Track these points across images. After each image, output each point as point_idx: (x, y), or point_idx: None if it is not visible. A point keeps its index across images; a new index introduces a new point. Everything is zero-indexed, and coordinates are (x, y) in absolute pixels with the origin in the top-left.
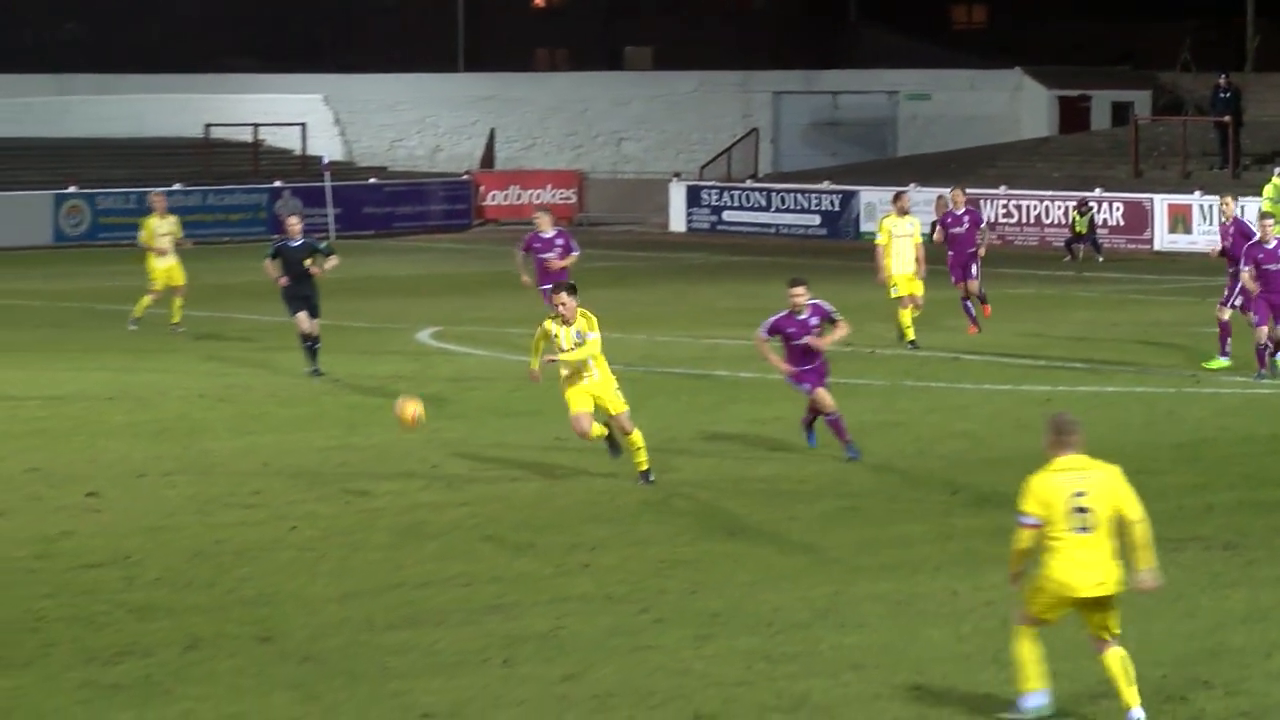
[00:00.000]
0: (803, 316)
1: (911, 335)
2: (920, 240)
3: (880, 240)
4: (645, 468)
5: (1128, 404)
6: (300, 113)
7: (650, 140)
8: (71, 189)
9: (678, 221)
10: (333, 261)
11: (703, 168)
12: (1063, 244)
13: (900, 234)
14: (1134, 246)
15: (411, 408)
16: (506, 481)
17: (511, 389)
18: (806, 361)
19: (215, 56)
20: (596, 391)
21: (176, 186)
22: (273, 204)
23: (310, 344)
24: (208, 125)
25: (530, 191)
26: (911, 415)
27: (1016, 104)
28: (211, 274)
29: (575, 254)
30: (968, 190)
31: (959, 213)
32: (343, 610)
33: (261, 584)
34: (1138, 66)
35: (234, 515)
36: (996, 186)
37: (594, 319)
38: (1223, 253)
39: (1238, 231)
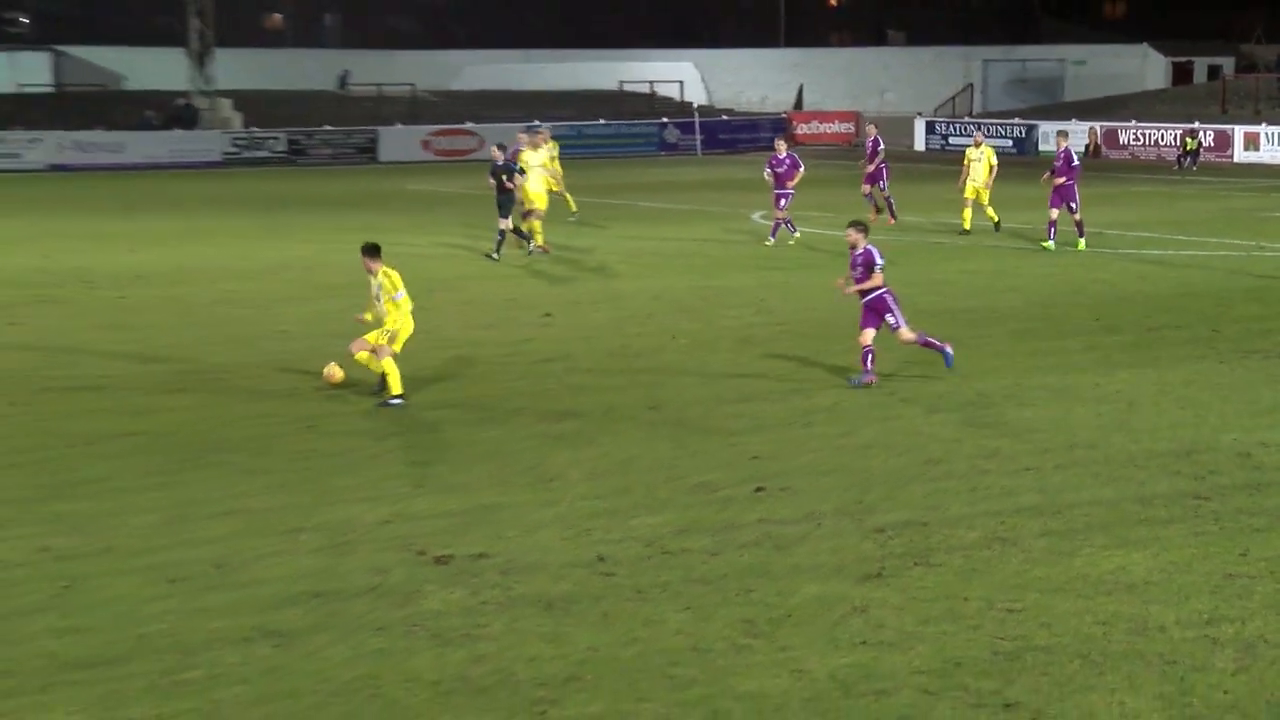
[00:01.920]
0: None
1: (966, 226)
2: (994, 163)
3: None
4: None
5: (1213, 261)
6: (679, 74)
7: (903, 92)
8: (536, 122)
9: (919, 144)
10: (521, 179)
11: (936, 109)
12: (1174, 159)
13: (973, 159)
14: (1220, 160)
15: (333, 371)
16: (806, 309)
17: (807, 251)
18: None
19: (626, 37)
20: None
21: (600, 121)
22: (662, 133)
23: (502, 235)
24: (621, 82)
25: (824, 125)
26: (1067, 269)
27: (1144, 67)
28: (622, 176)
29: (801, 170)
30: (1105, 125)
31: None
32: (702, 390)
33: (652, 373)
34: (1226, 40)
35: (635, 328)
36: (1129, 121)
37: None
38: None
39: None
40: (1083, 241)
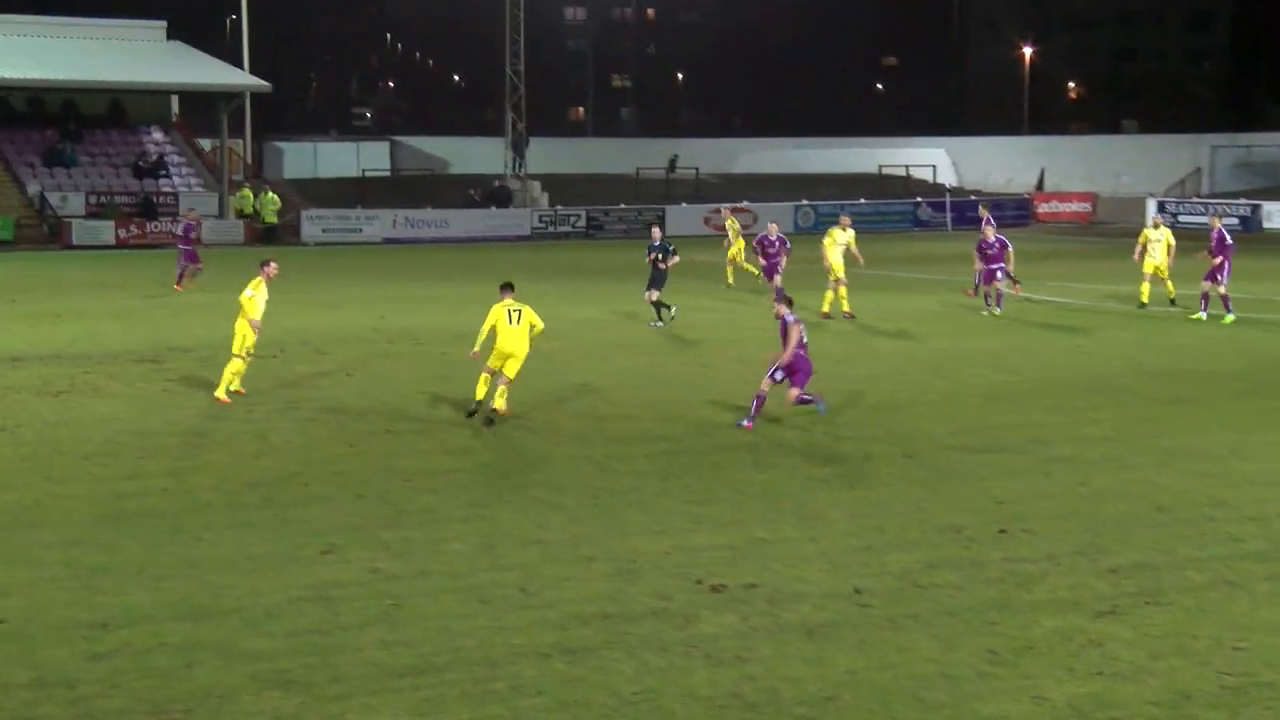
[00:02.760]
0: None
1: (1144, 300)
2: (1171, 243)
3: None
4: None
5: None
6: (932, 159)
7: (1137, 174)
8: (804, 201)
9: (1150, 221)
10: (675, 260)
11: (1167, 190)
12: None
13: (1153, 239)
14: None
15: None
16: (1047, 369)
17: (1052, 316)
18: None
19: (885, 127)
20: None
21: (861, 200)
22: (915, 211)
23: (658, 307)
24: (880, 166)
25: (1064, 204)
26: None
27: None
28: (880, 250)
29: (1009, 248)
30: None
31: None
32: (952, 440)
33: (906, 425)
34: None
35: (891, 386)
36: None
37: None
38: None
39: None
40: (1230, 316)
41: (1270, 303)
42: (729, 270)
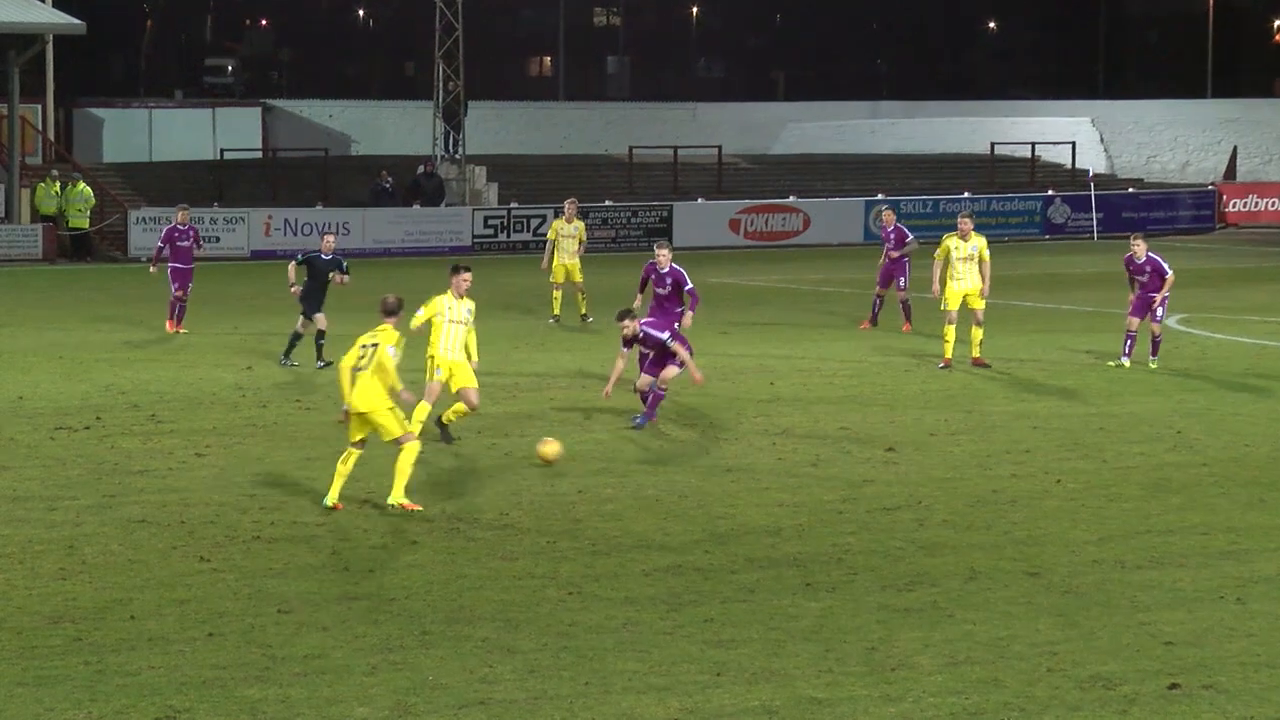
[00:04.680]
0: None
1: None
2: None
3: None
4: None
5: None
6: (1070, 133)
7: None
8: (880, 196)
9: None
10: (348, 279)
11: None
12: None
13: None
14: None
15: (550, 450)
16: (1241, 445)
17: (1246, 367)
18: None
19: (1000, 87)
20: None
21: (965, 195)
22: (1046, 210)
23: (321, 339)
24: (993, 144)
25: (1266, 200)
26: None
27: None
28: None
29: (1169, 275)
30: None
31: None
32: (1099, 551)
33: (1030, 527)
34: None
35: (1008, 469)
36: None
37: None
38: None
39: None
40: None
41: None
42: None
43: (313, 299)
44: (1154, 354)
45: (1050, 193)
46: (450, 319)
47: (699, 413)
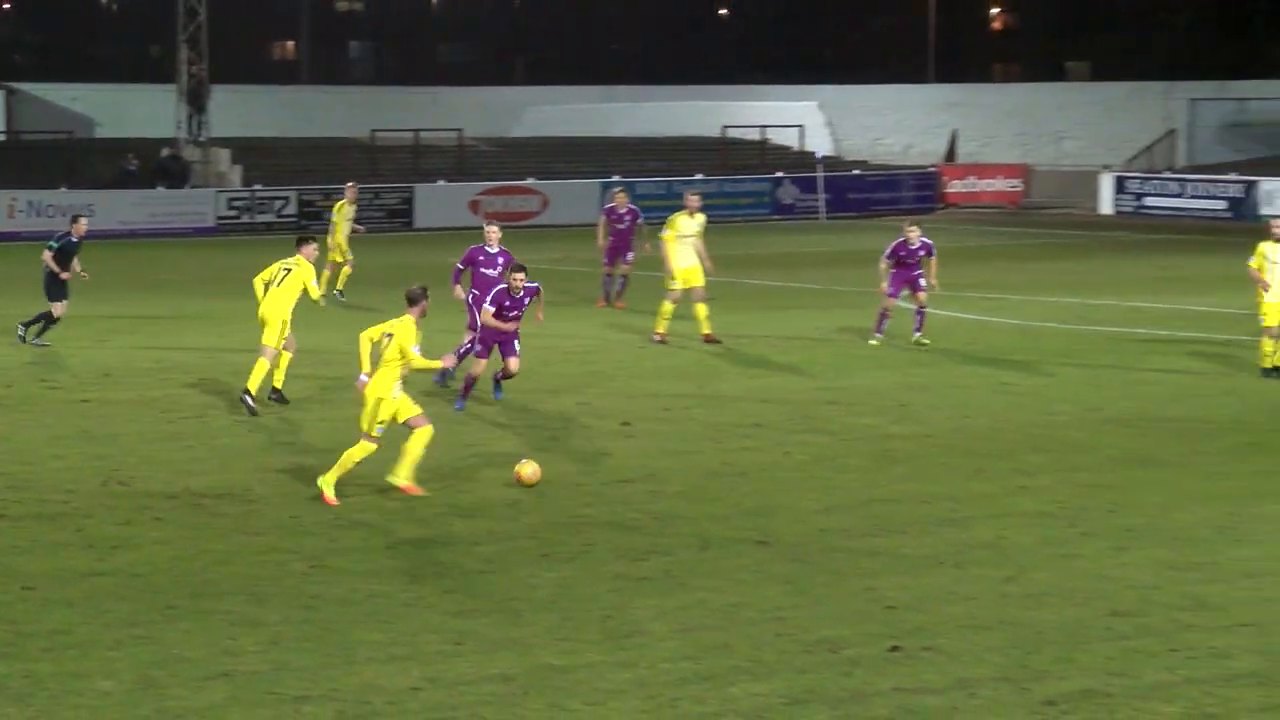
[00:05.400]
0: (519, 296)
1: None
2: None
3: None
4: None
5: None
6: (799, 117)
7: (1085, 139)
8: (615, 178)
9: (1106, 206)
10: (86, 275)
11: (1128, 161)
12: None
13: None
14: None
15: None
16: (961, 417)
17: (968, 341)
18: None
19: (731, 72)
20: None
21: (698, 176)
22: (775, 191)
23: (52, 323)
24: (724, 127)
25: (984, 181)
26: None
27: None
28: (726, 247)
29: (933, 258)
30: None
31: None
32: (826, 520)
33: (761, 498)
34: None
35: (739, 442)
36: None
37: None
38: None
39: None
40: None
41: None
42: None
43: (57, 285)
44: (919, 328)
45: (779, 174)
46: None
47: (442, 390)
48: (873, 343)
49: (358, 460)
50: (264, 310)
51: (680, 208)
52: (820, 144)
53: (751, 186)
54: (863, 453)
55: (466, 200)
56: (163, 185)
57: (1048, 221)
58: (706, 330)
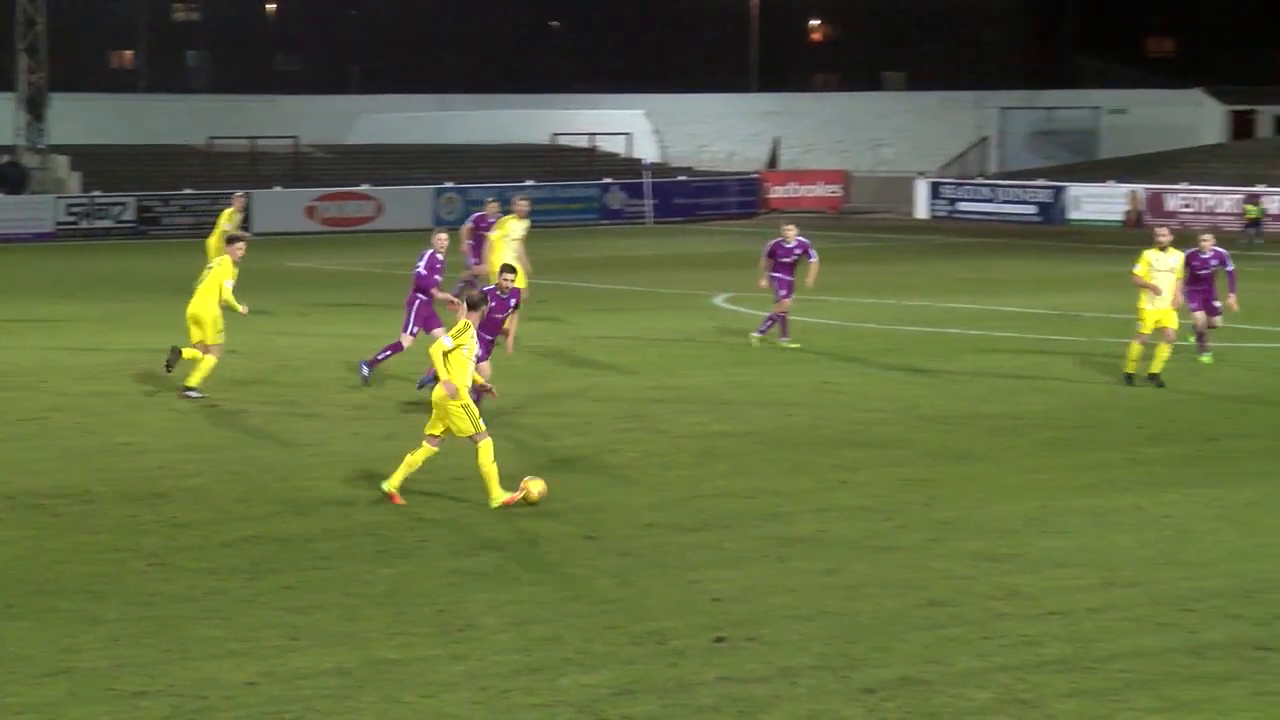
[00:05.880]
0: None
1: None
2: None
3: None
4: None
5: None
6: (626, 125)
7: (902, 146)
8: (448, 184)
9: (922, 210)
10: None
11: (942, 167)
12: (1238, 230)
13: (1161, 269)
14: None
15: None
16: (784, 415)
17: (790, 340)
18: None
19: (561, 81)
20: None
21: (529, 182)
22: (604, 197)
23: None
24: (554, 134)
25: (805, 187)
26: (1107, 365)
27: (1196, 117)
28: (556, 251)
29: (813, 259)
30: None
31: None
32: (653, 515)
33: (591, 494)
34: None
35: (570, 439)
36: (1178, 183)
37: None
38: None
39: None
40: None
41: (1078, 321)
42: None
43: None
44: (785, 332)
45: (608, 180)
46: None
47: (280, 390)
48: (790, 345)
49: (492, 459)
50: (192, 309)
51: (510, 212)
52: (647, 151)
53: (580, 192)
54: (689, 450)
55: (303, 206)
56: (2, 192)
57: (866, 225)
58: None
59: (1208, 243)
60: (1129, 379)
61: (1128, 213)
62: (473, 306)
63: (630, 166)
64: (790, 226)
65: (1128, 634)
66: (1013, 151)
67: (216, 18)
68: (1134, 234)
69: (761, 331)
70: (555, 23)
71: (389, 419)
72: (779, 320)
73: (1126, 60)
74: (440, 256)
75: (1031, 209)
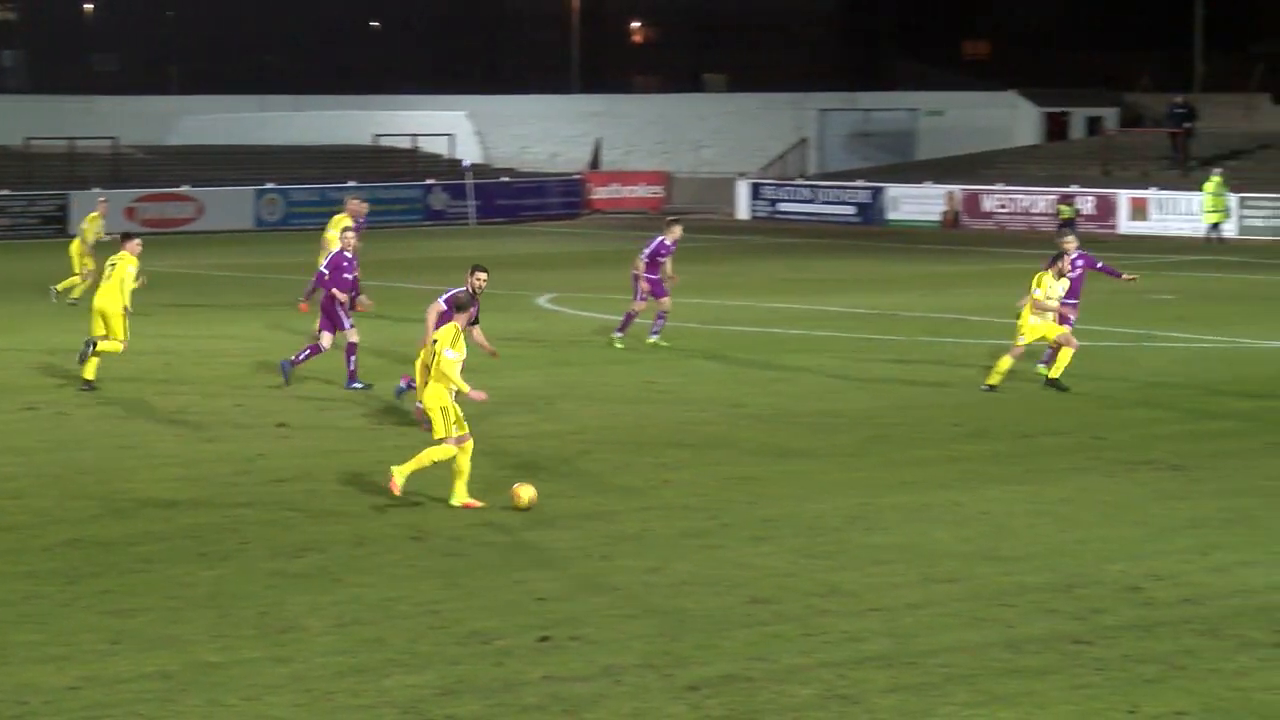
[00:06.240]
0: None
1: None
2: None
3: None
4: None
5: (1096, 355)
6: (449, 125)
7: (723, 147)
8: (269, 185)
9: (743, 211)
10: None
11: (763, 168)
12: (1052, 229)
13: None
14: (1102, 231)
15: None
16: (609, 414)
17: (611, 342)
18: None
19: (384, 81)
20: None
21: (351, 183)
22: (426, 197)
23: None
24: (376, 135)
25: (627, 188)
26: (926, 364)
27: (1011, 119)
28: (379, 252)
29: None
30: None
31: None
32: (479, 515)
33: (416, 495)
34: (1108, 88)
35: (394, 441)
36: (994, 184)
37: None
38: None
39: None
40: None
41: (897, 320)
42: None
43: None
44: (656, 330)
45: (430, 181)
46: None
47: (98, 393)
48: (654, 341)
49: (436, 460)
50: (98, 303)
51: (337, 211)
52: (470, 152)
53: (403, 193)
54: (511, 451)
55: (122, 207)
56: None
57: (688, 226)
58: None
59: (1072, 244)
60: (991, 389)
61: (945, 213)
62: (460, 308)
63: (453, 167)
64: (677, 226)
65: (947, 629)
66: (832, 153)
67: (33, 17)
68: (952, 234)
69: (654, 333)
70: (376, 23)
71: (209, 419)
72: (636, 318)
73: (943, 63)
74: (349, 255)
75: (851, 210)
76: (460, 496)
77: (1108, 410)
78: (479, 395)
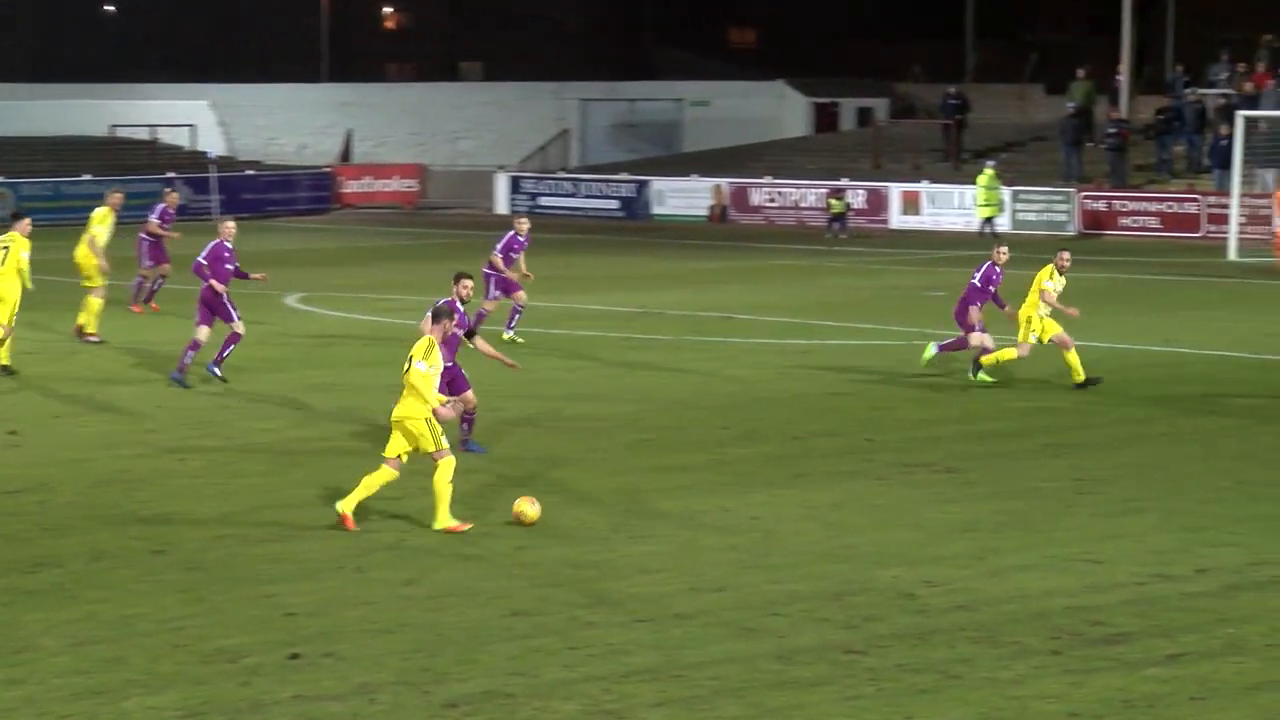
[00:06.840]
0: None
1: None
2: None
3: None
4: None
5: (868, 354)
6: (190, 115)
7: (481, 139)
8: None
9: (502, 206)
10: None
11: (523, 161)
12: (823, 225)
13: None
14: (874, 226)
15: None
16: (362, 420)
17: (364, 344)
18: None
19: (119, 69)
20: None
21: (86, 177)
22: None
23: None
24: (112, 126)
25: (380, 181)
26: (693, 364)
27: (780, 109)
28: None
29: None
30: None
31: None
32: (223, 527)
33: (156, 506)
34: (878, 79)
35: (133, 449)
36: (763, 177)
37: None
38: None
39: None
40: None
41: (664, 319)
42: None
43: None
44: (511, 325)
45: (171, 174)
46: None
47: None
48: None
49: (449, 479)
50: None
51: (82, 211)
52: (213, 144)
53: (142, 187)
54: (260, 458)
55: None
56: None
57: (444, 222)
58: (93, 329)
59: (1004, 255)
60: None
61: (712, 207)
62: (436, 319)
63: (195, 160)
64: (525, 220)
65: (716, 640)
66: (594, 145)
67: None
68: (719, 229)
69: (510, 328)
70: (110, 8)
71: None
72: (487, 316)
73: (709, 52)
74: (229, 245)
75: (614, 204)
76: (443, 520)
77: (880, 411)
78: (447, 412)
